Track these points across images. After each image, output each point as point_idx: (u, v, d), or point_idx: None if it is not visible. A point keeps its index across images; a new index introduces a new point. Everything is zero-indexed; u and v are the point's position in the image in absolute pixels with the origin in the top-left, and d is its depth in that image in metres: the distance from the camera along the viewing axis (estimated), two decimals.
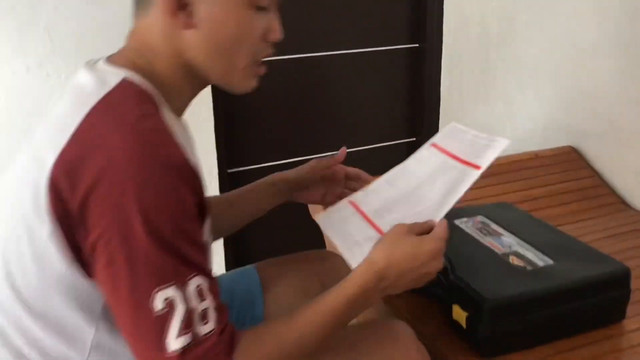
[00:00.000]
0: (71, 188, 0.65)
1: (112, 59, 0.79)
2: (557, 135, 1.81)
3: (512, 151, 1.77)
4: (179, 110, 0.85)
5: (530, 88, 1.91)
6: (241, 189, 1.11)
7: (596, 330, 1.02)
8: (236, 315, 1.06)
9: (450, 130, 1.10)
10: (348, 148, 1.09)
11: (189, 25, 0.77)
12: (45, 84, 1.65)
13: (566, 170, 1.66)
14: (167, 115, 0.75)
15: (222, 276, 1.15)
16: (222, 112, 1.97)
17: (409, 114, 2.47)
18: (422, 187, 1.02)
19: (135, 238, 0.64)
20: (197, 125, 1.70)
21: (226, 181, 2.06)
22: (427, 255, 0.80)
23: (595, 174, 1.66)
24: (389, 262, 0.79)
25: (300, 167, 1.10)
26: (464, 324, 0.98)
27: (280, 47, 0.88)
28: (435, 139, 1.10)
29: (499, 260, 1.06)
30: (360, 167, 1.15)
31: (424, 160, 1.08)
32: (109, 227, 0.65)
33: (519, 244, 1.11)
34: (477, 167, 0.91)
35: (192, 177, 0.70)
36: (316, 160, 1.10)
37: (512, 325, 0.96)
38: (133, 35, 0.82)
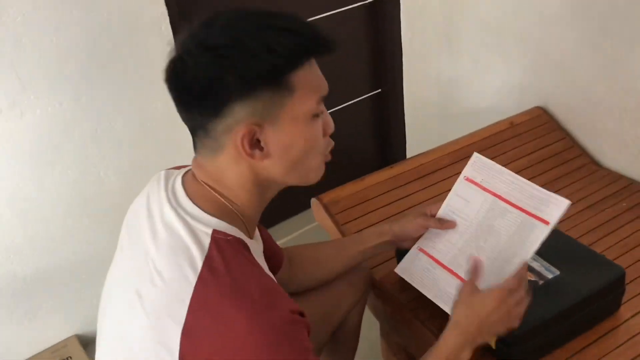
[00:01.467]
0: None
1: (193, 195, 0.86)
2: (525, 95, 1.90)
3: (487, 119, 1.86)
4: (253, 230, 0.92)
5: (496, 49, 1.97)
6: (350, 237, 1.30)
7: (599, 324, 1.19)
8: None
9: (479, 163, 1.21)
10: None
11: (264, 157, 0.83)
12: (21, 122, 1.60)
13: (540, 136, 1.77)
14: (252, 247, 0.84)
15: None
16: None
17: (372, 67, 2.50)
18: (484, 231, 1.16)
19: None
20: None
21: None
22: (495, 305, 0.96)
23: (566, 135, 1.79)
24: (467, 320, 0.95)
25: (405, 223, 1.22)
26: (493, 345, 1.12)
27: None
28: (467, 172, 1.23)
29: None
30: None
31: (468, 198, 1.21)
32: None
33: None
34: (545, 222, 1.06)
35: (303, 319, 0.80)
36: (423, 219, 1.21)
37: (536, 343, 1.11)
38: (204, 170, 0.87)
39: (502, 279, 1.05)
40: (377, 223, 1.47)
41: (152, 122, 1.81)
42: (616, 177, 1.65)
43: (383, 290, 1.33)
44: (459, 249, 1.18)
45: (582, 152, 1.75)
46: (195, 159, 0.90)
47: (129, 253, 0.90)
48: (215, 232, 0.81)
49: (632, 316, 1.20)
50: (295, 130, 0.84)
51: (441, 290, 1.17)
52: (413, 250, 1.25)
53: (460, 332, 0.95)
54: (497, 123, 1.79)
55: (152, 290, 0.80)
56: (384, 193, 1.54)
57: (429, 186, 1.57)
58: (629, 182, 1.62)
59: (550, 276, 1.17)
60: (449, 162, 1.64)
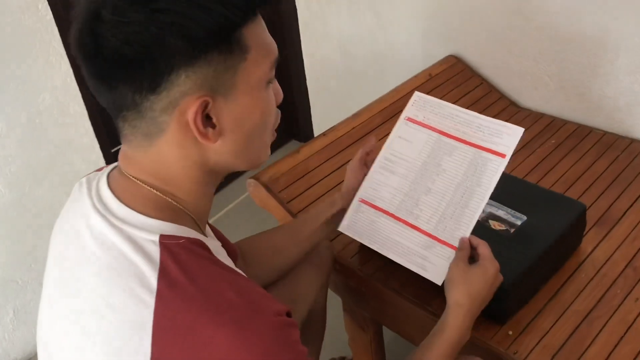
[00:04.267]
0: None
1: (125, 196, 0.70)
2: (434, 45, 1.87)
3: (405, 73, 1.81)
4: (204, 227, 0.79)
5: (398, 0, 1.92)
6: (301, 216, 1.19)
7: (567, 262, 1.19)
8: None
9: (421, 102, 1.12)
10: None
11: (217, 136, 0.69)
12: None
13: (460, 84, 1.76)
14: (212, 246, 0.71)
15: None
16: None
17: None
18: (430, 171, 1.07)
19: None
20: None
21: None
22: (494, 276, 0.94)
23: (483, 80, 1.79)
24: (471, 299, 0.90)
25: (346, 179, 1.15)
26: None
27: None
28: (408, 112, 1.14)
29: (487, 230, 1.14)
30: None
31: (410, 139, 1.11)
32: None
33: (489, 204, 1.20)
34: (501, 155, 1.00)
35: (290, 320, 0.69)
36: (354, 163, 1.15)
37: (520, 293, 1.09)
38: (135, 163, 0.72)
39: (463, 225, 1.00)
40: (325, 194, 1.38)
41: (41, 118, 1.56)
42: (537, 116, 1.68)
43: (344, 264, 1.25)
44: (405, 194, 1.08)
45: (501, 95, 1.76)
46: (122, 151, 0.73)
47: (59, 284, 0.72)
48: (162, 237, 0.66)
49: (593, 249, 1.22)
50: (250, 101, 0.70)
51: (392, 242, 1.07)
52: (354, 203, 1.13)
53: (466, 311, 0.90)
54: (416, 76, 1.75)
55: (100, 323, 0.65)
56: (324, 162, 1.45)
57: None
58: (551, 119, 1.65)
59: (519, 222, 1.15)
60: (381, 121, 1.58)
